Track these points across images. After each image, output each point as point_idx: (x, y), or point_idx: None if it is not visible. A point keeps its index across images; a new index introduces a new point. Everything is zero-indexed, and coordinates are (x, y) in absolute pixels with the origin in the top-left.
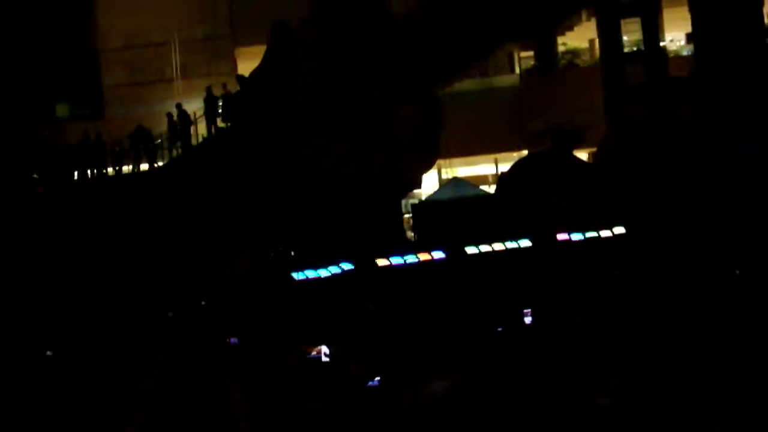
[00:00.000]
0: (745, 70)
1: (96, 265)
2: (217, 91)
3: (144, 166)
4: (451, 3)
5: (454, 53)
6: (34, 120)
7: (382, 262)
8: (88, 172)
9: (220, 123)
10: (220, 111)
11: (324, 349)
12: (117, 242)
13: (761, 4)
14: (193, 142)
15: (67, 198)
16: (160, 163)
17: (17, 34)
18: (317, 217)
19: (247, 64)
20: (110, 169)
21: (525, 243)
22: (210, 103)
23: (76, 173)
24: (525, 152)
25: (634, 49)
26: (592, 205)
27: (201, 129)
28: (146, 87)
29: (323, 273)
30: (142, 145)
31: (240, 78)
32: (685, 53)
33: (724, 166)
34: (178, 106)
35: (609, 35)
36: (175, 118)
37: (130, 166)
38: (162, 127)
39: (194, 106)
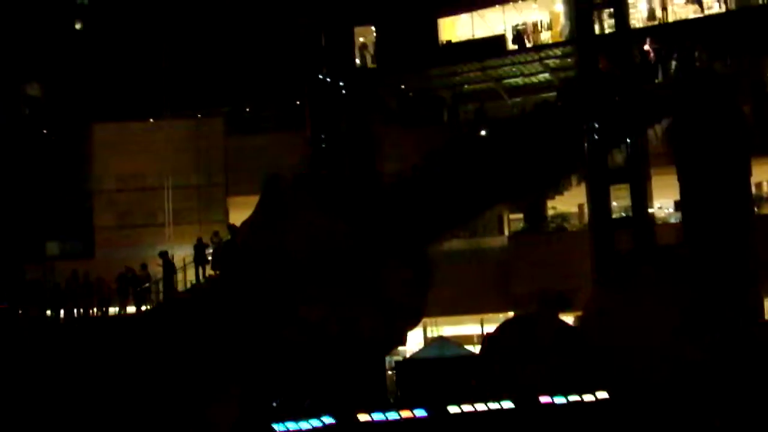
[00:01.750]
0: (733, 238)
1: (77, 401)
2: (207, 239)
3: (130, 309)
4: (442, 166)
5: (445, 214)
6: (22, 257)
7: (363, 417)
8: (75, 311)
9: (209, 270)
10: (209, 258)
11: None
12: (101, 383)
13: (749, 174)
14: (180, 287)
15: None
16: (146, 307)
17: (13, 168)
18: (302, 367)
19: (239, 213)
20: (95, 310)
21: (507, 404)
22: (200, 250)
23: (62, 312)
24: (511, 314)
25: (623, 215)
26: (575, 368)
27: (190, 275)
28: (137, 230)
29: (304, 426)
30: (130, 288)
31: (231, 227)
32: (673, 221)
33: (712, 335)
34: (163, 254)
35: (598, 201)
36: (158, 265)
37: (117, 308)
38: (151, 270)
39: (184, 252)
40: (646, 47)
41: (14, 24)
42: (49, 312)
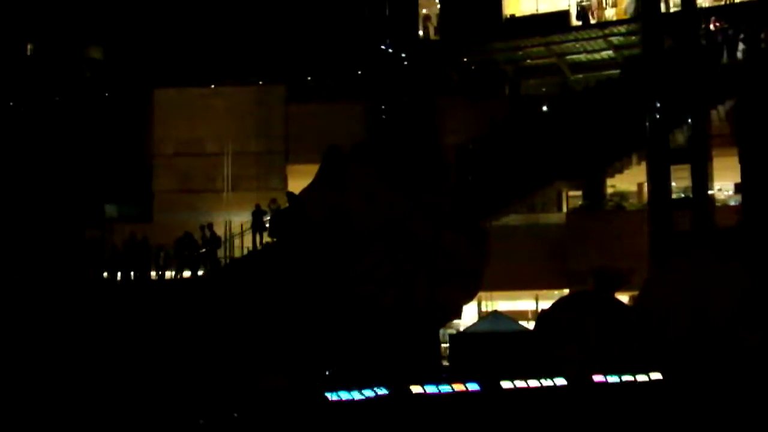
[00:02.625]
0: None
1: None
2: (265, 206)
3: (187, 273)
4: (503, 140)
5: (503, 188)
6: (82, 218)
7: (416, 389)
8: (132, 273)
9: (266, 237)
10: (267, 225)
11: None
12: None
13: None
14: (238, 254)
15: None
16: (201, 272)
17: (74, 130)
18: (356, 339)
19: (297, 182)
20: (153, 273)
21: (560, 381)
22: (258, 217)
23: (120, 274)
24: (566, 291)
25: (682, 195)
26: (629, 348)
27: (247, 241)
28: (196, 195)
29: (357, 396)
30: (186, 252)
31: (290, 195)
32: (732, 203)
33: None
34: (209, 226)
35: (658, 180)
36: (207, 234)
37: (174, 272)
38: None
39: (242, 219)
40: (712, 27)
41: None
42: (106, 274)
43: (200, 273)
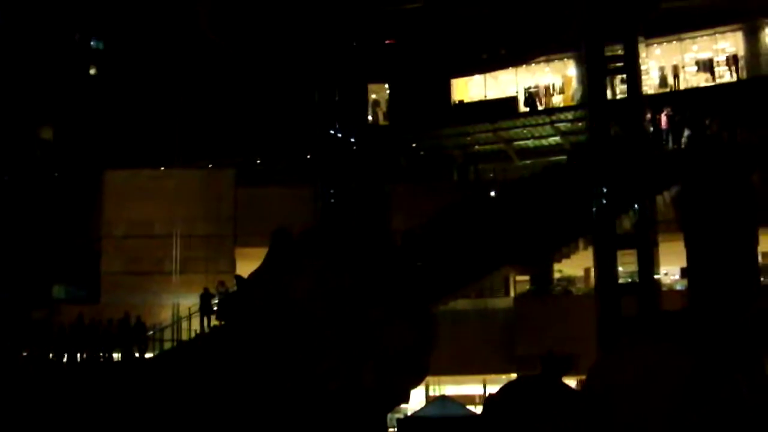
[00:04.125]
0: (738, 307)
1: None
2: (213, 289)
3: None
4: (451, 225)
5: (452, 273)
6: (29, 298)
7: None
8: (79, 355)
9: (214, 320)
10: (215, 308)
11: None
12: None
13: (756, 242)
14: (186, 336)
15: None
16: (150, 354)
17: (22, 210)
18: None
19: (246, 265)
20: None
21: None
22: (206, 299)
23: (66, 356)
24: (514, 375)
25: (629, 280)
26: None
27: (194, 324)
28: (144, 277)
29: None
30: (134, 334)
31: (238, 278)
32: (678, 287)
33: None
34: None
35: (605, 265)
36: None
37: (120, 354)
38: (156, 318)
39: (190, 301)
40: (657, 114)
41: (29, 66)
42: (52, 355)
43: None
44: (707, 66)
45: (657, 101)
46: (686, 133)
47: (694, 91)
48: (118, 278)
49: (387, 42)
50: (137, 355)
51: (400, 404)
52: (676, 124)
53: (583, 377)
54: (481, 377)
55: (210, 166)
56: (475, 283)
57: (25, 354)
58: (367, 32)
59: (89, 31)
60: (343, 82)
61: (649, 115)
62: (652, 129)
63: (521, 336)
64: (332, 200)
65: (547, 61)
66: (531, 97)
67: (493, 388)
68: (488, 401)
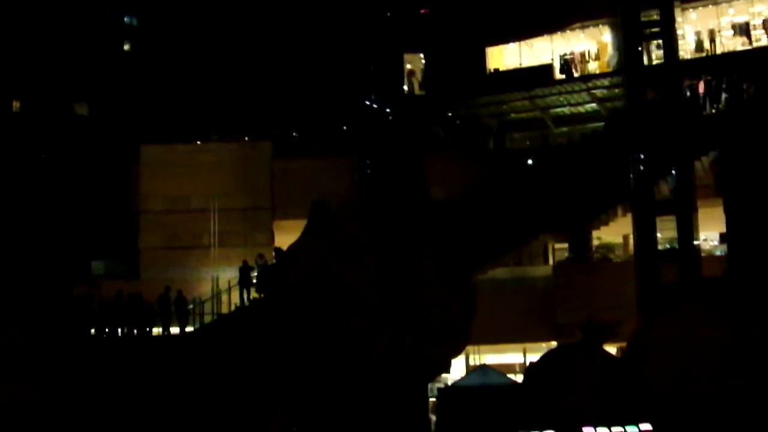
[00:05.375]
0: None
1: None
2: (252, 262)
3: (174, 329)
4: (489, 194)
5: (490, 242)
6: (70, 274)
7: None
8: (119, 330)
9: (254, 293)
10: (254, 281)
11: None
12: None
13: None
14: (225, 310)
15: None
16: (190, 328)
17: (60, 186)
18: (344, 394)
19: (284, 237)
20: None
21: None
22: (245, 272)
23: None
24: (554, 343)
25: (668, 246)
26: (619, 399)
27: (234, 297)
28: (182, 252)
29: None
30: (173, 308)
31: (278, 250)
32: (718, 253)
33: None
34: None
35: (644, 232)
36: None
37: (160, 329)
38: (195, 292)
39: (229, 275)
40: (694, 79)
41: (64, 43)
42: (93, 330)
43: (188, 329)
44: (744, 29)
45: (693, 66)
46: (724, 97)
47: (731, 55)
48: (156, 253)
49: (422, 11)
50: (178, 329)
51: (441, 373)
52: (714, 89)
53: (623, 344)
54: (521, 346)
55: (246, 139)
56: (514, 252)
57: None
58: (402, 1)
59: (123, 7)
60: (378, 52)
61: (686, 81)
62: (689, 94)
63: (560, 304)
64: (369, 171)
65: (582, 27)
66: (566, 64)
67: (533, 357)
68: (529, 369)
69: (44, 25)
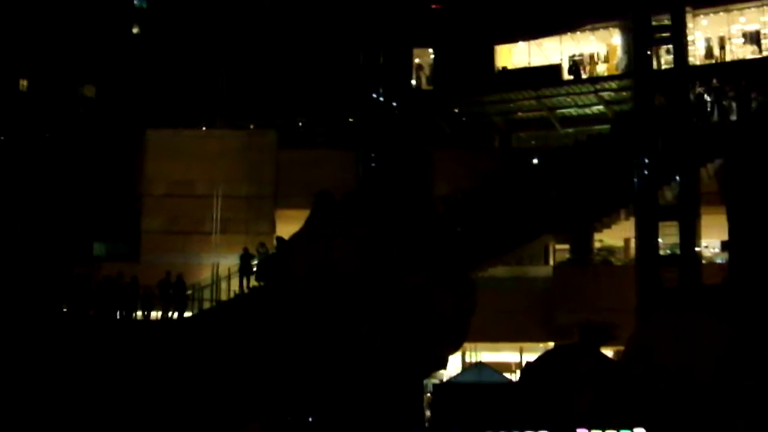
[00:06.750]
0: None
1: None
2: (253, 250)
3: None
4: (492, 192)
5: (491, 240)
6: (70, 255)
7: None
8: (117, 312)
9: (253, 281)
10: (254, 269)
11: None
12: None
13: None
14: (225, 297)
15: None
16: (188, 314)
17: (65, 167)
18: (341, 386)
19: (286, 227)
20: (139, 313)
21: None
22: (245, 260)
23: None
24: (551, 344)
25: (669, 252)
26: (614, 403)
27: (234, 285)
28: (184, 237)
29: None
30: (172, 292)
31: (280, 240)
32: (719, 261)
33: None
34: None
35: (646, 236)
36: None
37: (159, 313)
38: (195, 277)
39: (229, 262)
40: (703, 86)
41: (74, 23)
42: (92, 312)
43: (186, 314)
44: (754, 38)
45: (703, 72)
46: (732, 105)
47: (740, 63)
48: (158, 237)
49: (433, 6)
50: (176, 314)
51: (438, 370)
52: (722, 96)
53: (621, 347)
54: (518, 345)
55: (252, 127)
56: (515, 251)
57: (65, 309)
58: None
59: None
60: (388, 46)
61: (695, 87)
62: (697, 100)
63: (560, 305)
64: (373, 165)
65: (593, 29)
66: (575, 65)
67: (529, 356)
68: (526, 369)
69: (55, 5)
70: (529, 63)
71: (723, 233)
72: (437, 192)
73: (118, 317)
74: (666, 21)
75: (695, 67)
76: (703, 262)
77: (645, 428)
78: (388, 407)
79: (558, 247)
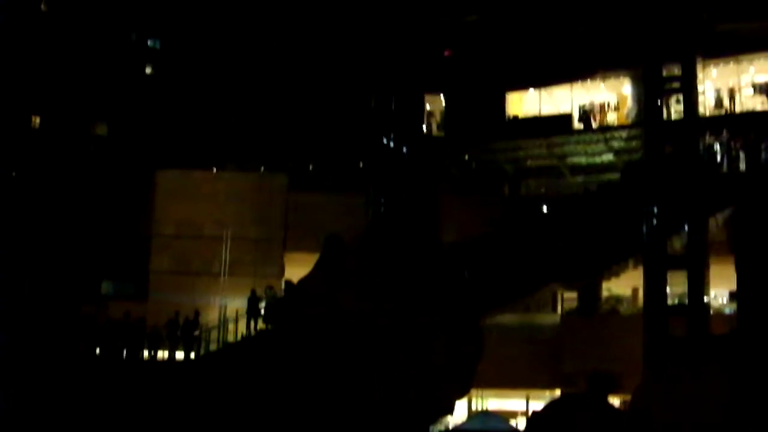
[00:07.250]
0: None
1: None
2: (261, 292)
3: (179, 354)
4: (501, 239)
5: (499, 287)
6: (78, 293)
7: None
8: (124, 352)
9: (261, 323)
10: (262, 312)
11: None
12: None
13: None
14: (231, 338)
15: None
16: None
17: (74, 205)
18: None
19: (294, 270)
20: (146, 353)
21: None
22: (253, 302)
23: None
24: (558, 392)
25: (677, 301)
26: None
27: (241, 327)
28: (192, 277)
29: None
30: (179, 333)
31: (288, 283)
32: (727, 311)
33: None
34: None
35: (654, 286)
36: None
37: (166, 353)
38: (202, 319)
39: (237, 304)
40: (713, 136)
41: (87, 64)
42: (98, 350)
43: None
44: (764, 89)
45: (712, 123)
46: (741, 156)
47: (750, 115)
48: (166, 277)
49: (445, 53)
50: (183, 354)
51: (444, 416)
52: (731, 147)
53: (628, 397)
54: (524, 392)
55: (262, 169)
56: (523, 298)
57: (71, 349)
58: (425, 43)
59: (146, 30)
60: (399, 91)
61: (704, 137)
62: (706, 150)
63: (567, 353)
64: (383, 209)
65: (603, 78)
66: (585, 114)
67: (536, 404)
68: (533, 417)
69: (68, 43)
70: (539, 111)
71: (732, 283)
72: (446, 238)
73: (124, 357)
74: (676, 71)
75: (705, 117)
76: (711, 312)
77: None
78: None
79: (566, 295)
